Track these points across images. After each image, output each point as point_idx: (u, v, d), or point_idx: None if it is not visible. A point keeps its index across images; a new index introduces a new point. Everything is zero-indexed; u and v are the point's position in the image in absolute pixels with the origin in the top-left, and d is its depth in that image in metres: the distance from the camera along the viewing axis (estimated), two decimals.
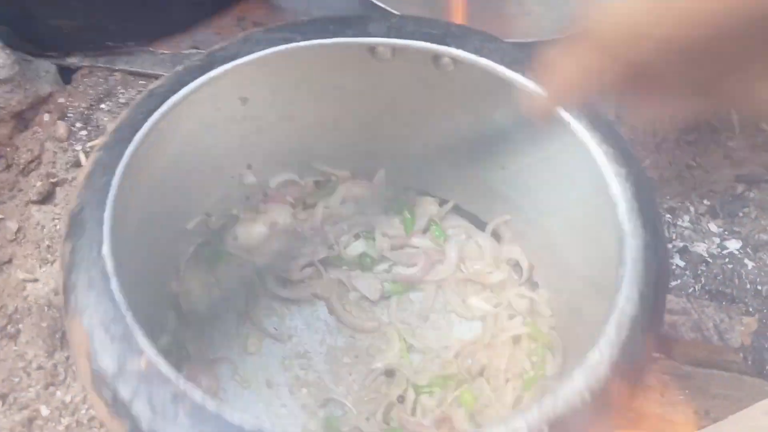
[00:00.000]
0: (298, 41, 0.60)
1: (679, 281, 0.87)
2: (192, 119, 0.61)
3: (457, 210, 0.83)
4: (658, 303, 0.50)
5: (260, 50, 0.59)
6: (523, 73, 0.61)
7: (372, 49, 0.65)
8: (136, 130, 0.52)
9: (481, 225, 0.82)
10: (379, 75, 0.68)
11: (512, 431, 0.41)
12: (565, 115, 0.59)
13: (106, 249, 0.45)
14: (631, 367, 0.45)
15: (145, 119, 0.52)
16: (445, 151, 0.76)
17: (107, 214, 0.47)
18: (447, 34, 0.63)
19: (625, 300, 0.48)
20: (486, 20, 0.79)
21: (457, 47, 0.63)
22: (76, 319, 0.43)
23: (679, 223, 0.92)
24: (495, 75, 0.62)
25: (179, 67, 0.57)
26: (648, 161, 0.94)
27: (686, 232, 0.91)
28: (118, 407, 0.39)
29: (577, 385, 0.44)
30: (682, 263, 0.88)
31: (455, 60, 0.64)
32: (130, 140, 0.51)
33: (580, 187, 0.61)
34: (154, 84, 0.56)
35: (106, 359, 0.41)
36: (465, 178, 0.78)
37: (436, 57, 0.64)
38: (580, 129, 0.58)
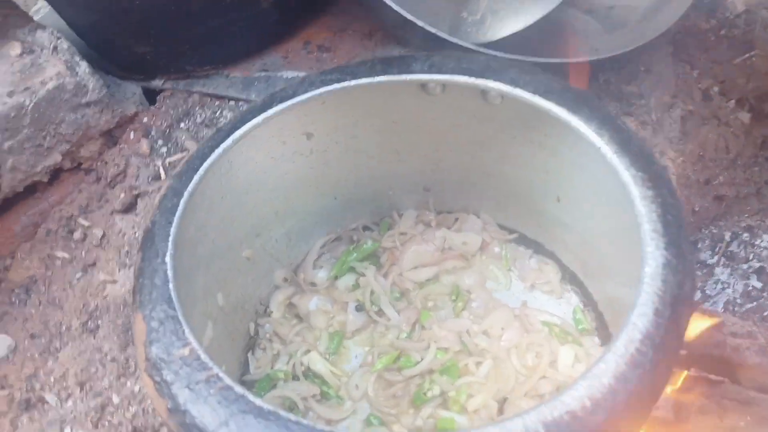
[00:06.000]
0: (349, 81, 0.67)
1: (755, 303, 0.82)
2: (259, 152, 0.69)
3: (523, 240, 0.86)
4: (675, 320, 0.51)
5: (315, 89, 0.67)
6: (557, 102, 0.64)
7: (423, 85, 0.70)
8: (203, 161, 0.61)
9: (545, 252, 0.84)
10: (432, 109, 0.73)
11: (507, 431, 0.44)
12: (596, 140, 0.61)
13: (168, 258, 0.54)
14: (636, 378, 0.46)
15: (211, 152, 0.61)
16: (506, 181, 0.80)
17: (173, 230, 0.56)
18: (486, 68, 0.68)
19: (638, 316, 0.50)
20: None
21: (496, 80, 0.67)
22: (139, 314, 0.51)
23: (757, 242, 0.87)
24: (534, 106, 0.65)
25: (244, 107, 0.66)
26: (721, 178, 0.90)
27: (765, 252, 0.86)
28: (163, 387, 0.47)
29: (578, 392, 0.46)
30: (759, 284, 0.83)
31: (502, 93, 0.67)
32: (197, 170, 0.60)
33: (617, 211, 0.63)
34: (222, 123, 0.65)
35: (158, 347, 0.49)
36: (526, 208, 0.81)
37: (484, 91, 0.68)
38: (609, 153, 0.60)
